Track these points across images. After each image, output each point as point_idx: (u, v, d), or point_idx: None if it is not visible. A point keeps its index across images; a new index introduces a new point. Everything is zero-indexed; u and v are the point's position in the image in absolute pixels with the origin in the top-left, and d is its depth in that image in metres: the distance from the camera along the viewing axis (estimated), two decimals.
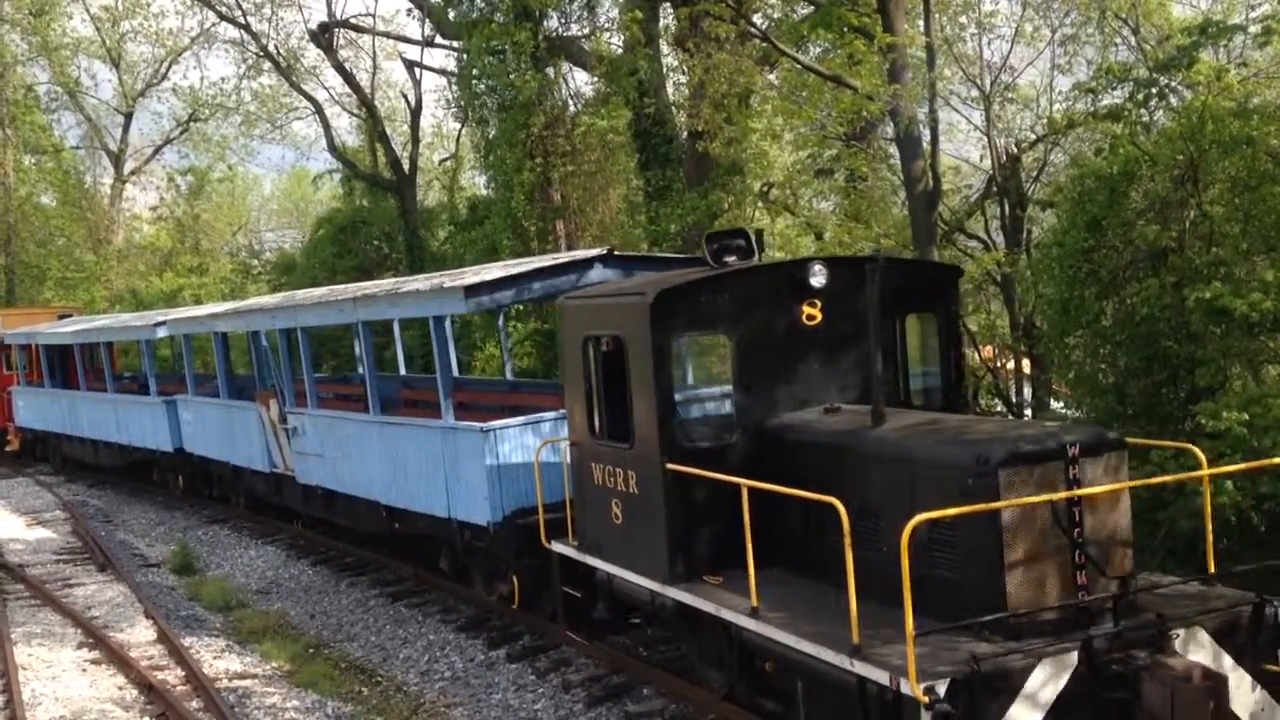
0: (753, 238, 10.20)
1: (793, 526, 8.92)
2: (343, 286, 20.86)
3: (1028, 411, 17.14)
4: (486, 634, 13.11)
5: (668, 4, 22.08)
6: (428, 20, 30.90)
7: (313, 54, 36.02)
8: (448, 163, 38.89)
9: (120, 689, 12.16)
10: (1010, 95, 17.09)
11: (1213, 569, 8.16)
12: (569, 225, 25.22)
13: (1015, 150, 16.78)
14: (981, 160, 17.77)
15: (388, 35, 35.43)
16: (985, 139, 16.69)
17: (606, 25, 25.40)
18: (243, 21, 35.37)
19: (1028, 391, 17.26)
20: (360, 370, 19.34)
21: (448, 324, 15.14)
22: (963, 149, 19.37)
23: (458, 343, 26.47)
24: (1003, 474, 7.21)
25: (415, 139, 34.55)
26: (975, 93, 16.69)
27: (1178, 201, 12.05)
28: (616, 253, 13.69)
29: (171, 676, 12.45)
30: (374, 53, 35.85)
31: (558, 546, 11.42)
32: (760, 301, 9.54)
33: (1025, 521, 7.28)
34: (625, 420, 9.86)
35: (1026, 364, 17.11)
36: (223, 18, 36.82)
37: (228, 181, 51.26)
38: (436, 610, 14.40)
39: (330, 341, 28.01)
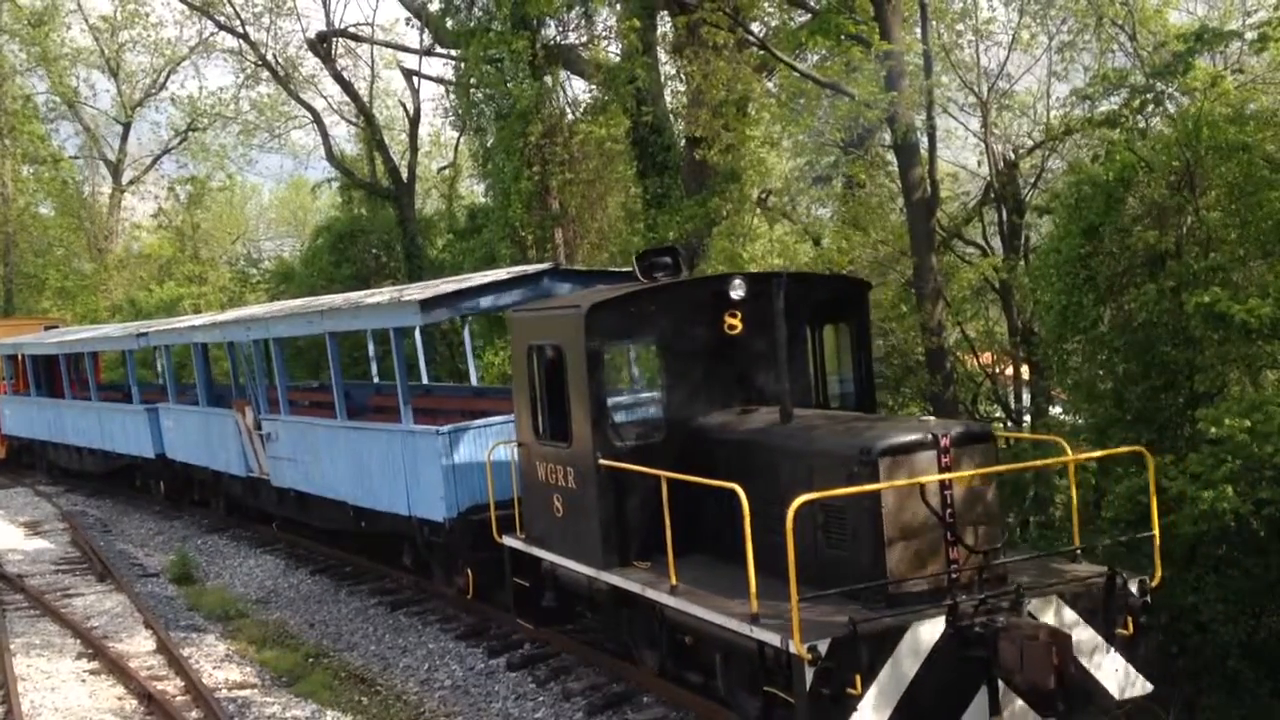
0: (680, 255, 11.24)
1: (713, 517, 9.74)
2: (315, 299, 21.89)
3: (1026, 418, 17.13)
4: (486, 642, 13.11)
5: (665, 12, 22.11)
6: (426, 29, 30.92)
7: (311, 63, 36.02)
8: (446, 171, 38.88)
9: (120, 699, 12.16)
10: (1007, 102, 17.08)
11: (1077, 543, 9.31)
12: (567, 233, 25.24)
13: (1013, 156, 16.78)
14: (979, 166, 17.78)
15: (386, 44, 35.44)
16: (983, 145, 16.69)
17: (604, 33, 25.45)
18: (241, 31, 35.38)
19: (1026, 398, 17.25)
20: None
21: (418, 333, 15.83)
22: (960, 155, 19.39)
23: (459, 350, 26.59)
24: (882, 462, 8.26)
25: (414, 147, 34.54)
26: (972, 99, 16.68)
27: (1174, 207, 12.07)
28: (562, 268, 14.78)
29: (171, 686, 12.44)
30: (372, 62, 35.89)
31: (508, 540, 12.25)
32: (685, 313, 10.50)
33: (902, 504, 8.29)
34: (564, 422, 10.73)
35: (1025, 370, 17.11)
36: (221, 27, 36.84)
37: (226, 190, 51.23)
38: (436, 619, 14.39)
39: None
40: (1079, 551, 9.26)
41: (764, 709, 8.70)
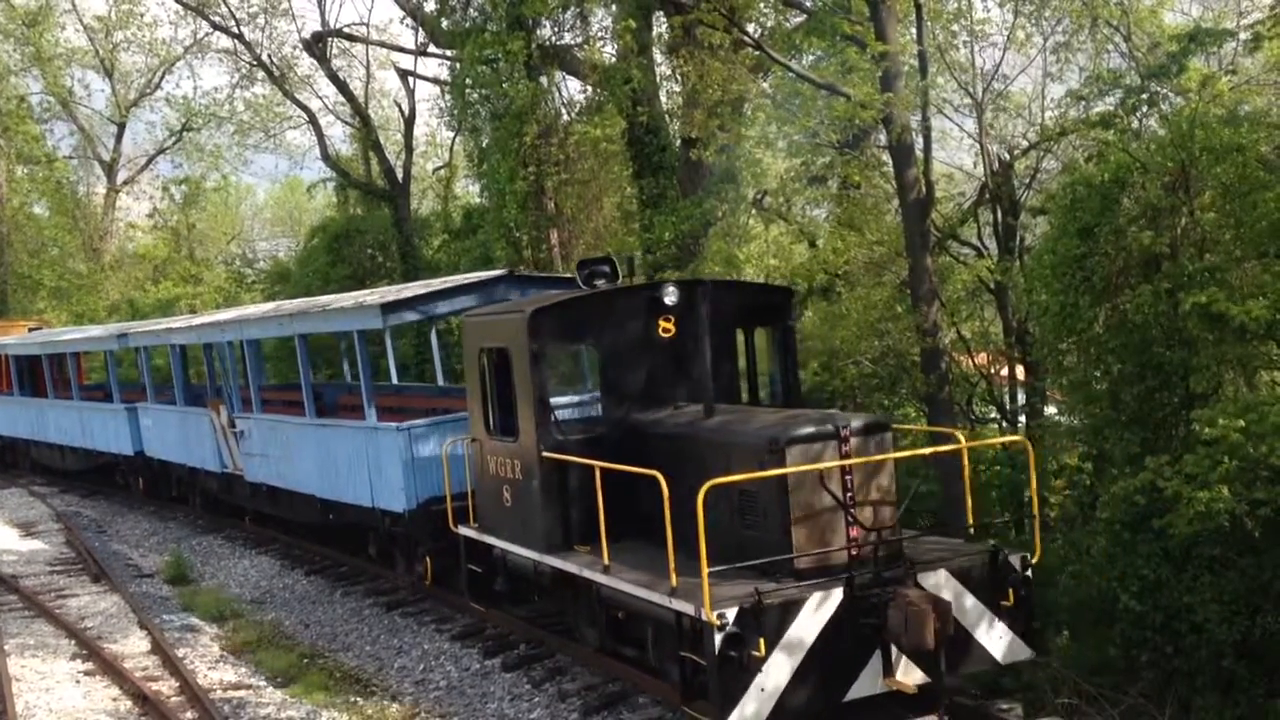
0: (617, 264, 12.16)
1: (647, 504, 10.27)
2: (289, 302, 22.91)
3: (1021, 418, 17.14)
4: (482, 643, 13.11)
5: (661, 13, 22.09)
6: (421, 29, 30.89)
7: (306, 63, 35.98)
8: (441, 172, 38.84)
9: (114, 700, 12.15)
10: (1003, 103, 17.08)
11: (971, 522, 10.42)
12: (563, 234, 25.21)
13: (1008, 157, 16.78)
14: (974, 167, 17.78)
15: (381, 44, 35.39)
16: (978, 146, 16.69)
17: (600, 34, 25.43)
18: (236, 31, 35.31)
19: (1021, 398, 17.26)
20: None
21: (388, 336, 16.46)
22: (955, 156, 19.38)
23: (455, 351, 26.70)
24: (788, 450, 9.25)
25: (409, 148, 34.48)
26: (968, 100, 16.67)
27: (1169, 208, 12.07)
28: (517, 274, 15.75)
29: (165, 687, 12.43)
30: (367, 62, 35.83)
31: (463, 530, 13.18)
32: (622, 317, 11.40)
33: (807, 487, 9.29)
34: (512, 418, 11.69)
35: (1020, 371, 17.11)
36: (216, 27, 36.75)
37: (221, 191, 51.14)
38: (431, 619, 14.39)
39: (326, 350, 28.07)
40: (972, 530, 10.40)
41: (683, 673, 9.52)
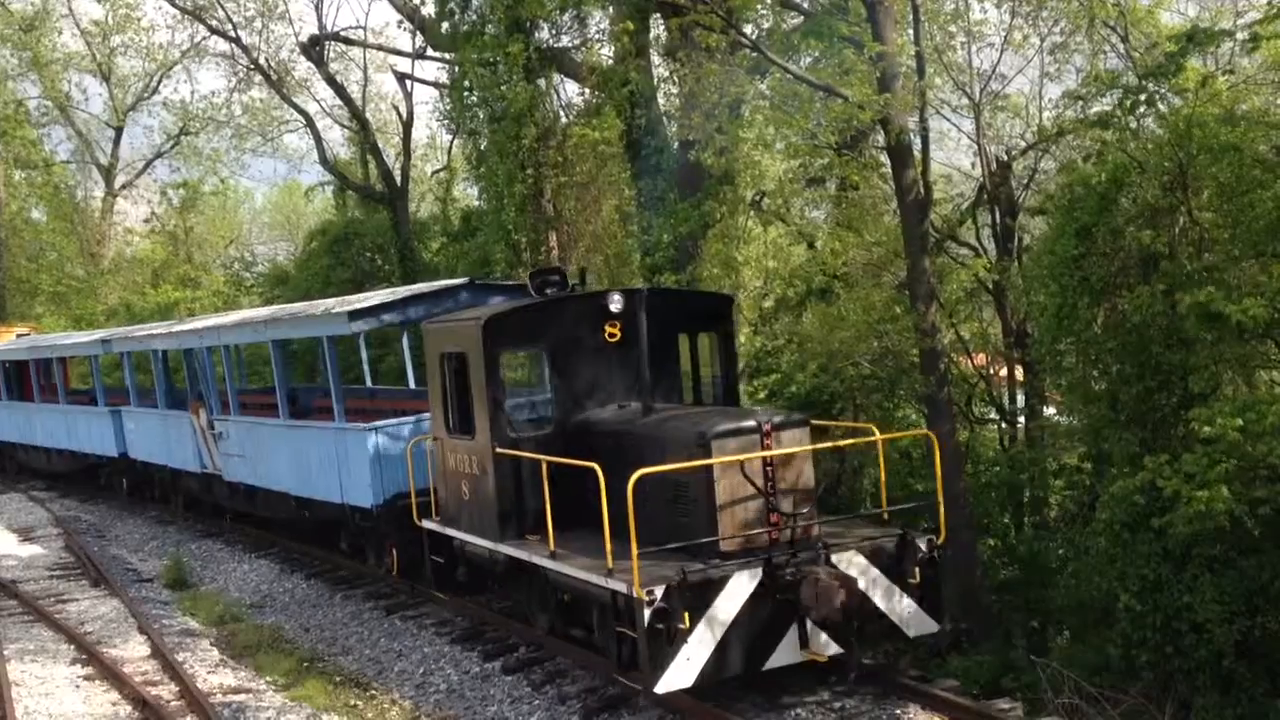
0: (565, 274, 13.00)
1: (591, 496, 10.67)
2: (266, 309, 23.85)
3: (1021, 419, 17.14)
4: (482, 646, 13.10)
5: (658, 15, 22.09)
6: (418, 33, 30.88)
7: (303, 67, 35.98)
8: (440, 174, 38.83)
9: (114, 705, 12.14)
10: (1000, 103, 17.09)
11: (884, 508, 11.39)
12: (562, 237, 25.19)
13: (1006, 158, 16.79)
14: (972, 168, 17.79)
15: (379, 48, 35.40)
16: (976, 147, 16.70)
17: (598, 36, 25.42)
18: (233, 35, 35.30)
19: (1020, 399, 17.26)
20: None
21: (363, 341, 17.47)
22: (953, 157, 19.38)
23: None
24: (714, 444, 10.12)
25: (407, 151, 34.47)
26: (965, 101, 16.67)
27: (1167, 208, 12.08)
28: (478, 282, 16.48)
29: (165, 692, 12.42)
30: (365, 65, 35.85)
31: (426, 523, 13.97)
32: (571, 323, 12.21)
33: (731, 477, 10.16)
34: (469, 418, 12.45)
35: (1019, 371, 17.11)
36: (214, 31, 36.72)
37: (220, 195, 51.15)
38: (431, 623, 14.38)
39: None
40: (886, 516, 11.30)
41: (619, 647, 10.24)
